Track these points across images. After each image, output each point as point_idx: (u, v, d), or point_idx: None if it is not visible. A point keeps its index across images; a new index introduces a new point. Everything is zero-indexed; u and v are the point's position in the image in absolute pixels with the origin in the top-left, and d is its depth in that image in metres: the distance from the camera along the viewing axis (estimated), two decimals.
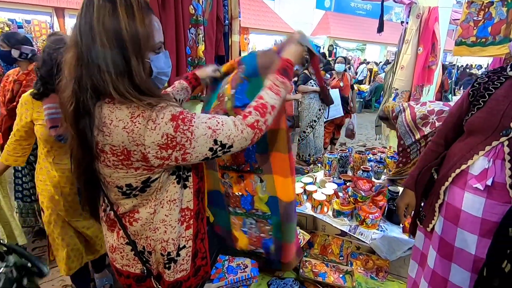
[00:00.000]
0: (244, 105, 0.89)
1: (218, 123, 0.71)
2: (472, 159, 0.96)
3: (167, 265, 0.80)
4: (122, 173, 0.69)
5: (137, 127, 0.64)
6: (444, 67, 4.59)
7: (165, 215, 0.76)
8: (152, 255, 0.80)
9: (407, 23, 3.03)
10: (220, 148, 0.72)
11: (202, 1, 1.75)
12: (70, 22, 9.16)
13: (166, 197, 0.76)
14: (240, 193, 1.15)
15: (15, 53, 1.89)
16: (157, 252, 0.79)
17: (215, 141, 0.71)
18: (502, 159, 0.90)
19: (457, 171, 0.99)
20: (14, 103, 1.86)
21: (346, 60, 4.37)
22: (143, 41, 0.66)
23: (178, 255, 0.80)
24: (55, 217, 1.41)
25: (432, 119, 1.74)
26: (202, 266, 0.87)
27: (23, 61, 1.93)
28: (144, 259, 0.80)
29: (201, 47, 1.78)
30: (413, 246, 1.26)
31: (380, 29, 3.32)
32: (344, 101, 4.01)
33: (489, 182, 0.91)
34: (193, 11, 1.73)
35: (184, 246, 0.81)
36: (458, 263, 0.99)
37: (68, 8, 8.75)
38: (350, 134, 4.29)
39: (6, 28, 5.48)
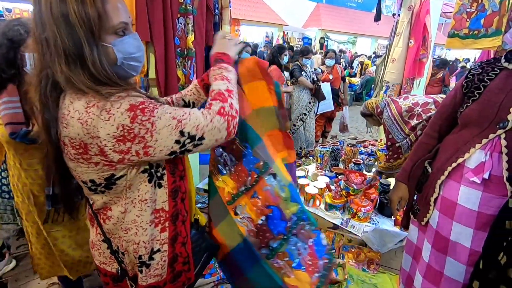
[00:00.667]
0: None
1: (185, 113, 0.66)
2: (468, 152, 0.96)
3: (139, 269, 0.75)
4: (84, 168, 0.65)
5: (91, 117, 0.59)
6: (446, 62, 4.65)
7: (136, 215, 0.72)
8: (125, 256, 0.76)
9: (398, 15, 3.01)
10: (188, 140, 0.66)
11: None
12: None
13: (138, 196, 0.71)
14: (264, 217, 0.91)
15: None
16: (130, 253, 0.75)
17: (182, 133, 0.64)
18: (499, 152, 0.90)
19: (454, 164, 0.98)
20: None
21: (336, 54, 4.36)
22: (95, 24, 0.60)
23: (151, 259, 0.75)
24: (31, 229, 1.31)
25: (418, 110, 1.76)
26: (183, 271, 0.81)
27: None
28: (119, 259, 0.76)
29: (191, 38, 1.72)
30: (406, 240, 1.26)
31: (378, 17, 3.29)
32: (335, 93, 4.01)
33: (486, 175, 0.91)
34: None
35: (159, 250, 0.75)
36: (454, 256, 1.00)
37: None
38: (343, 128, 4.30)
39: None
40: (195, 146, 0.68)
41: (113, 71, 0.65)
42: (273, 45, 4.75)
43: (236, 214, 0.93)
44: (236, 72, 0.87)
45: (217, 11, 1.92)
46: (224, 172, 0.95)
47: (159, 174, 0.73)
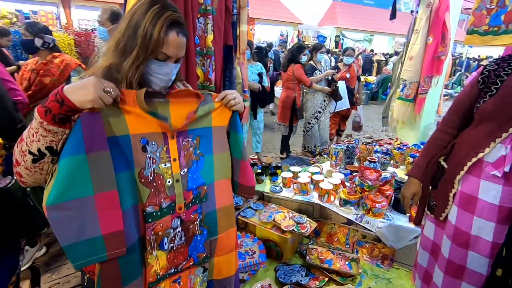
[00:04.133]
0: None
1: None
2: (489, 146, 0.96)
3: None
4: None
5: None
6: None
7: None
8: None
9: (416, 12, 2.97)
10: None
11: None
12: (76, 13, 9.17)
13: None
14: None
15: (38, 42, 1.90)
16: None
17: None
18: None
19: (474, 159, 0.99)
20: (30, 92, 1.90)
21: (354, 52, 4.32)
22: (150, 43, 0.75)
23: None
24: None
25: None
26: None
27: (44, 50, 1.95)
28: None
29: (210, 37, 1.78)
30: (421, 235, 1.27)
31: (393, 15, 3.25)
32: (350, 92, 3.99)
33: (507, 169, 0.92)
34: (202, 0, 1.73)
35: None
36: (476, 250, 1.01)
37: None
38: (357, 127, 4.27)
39: (15, 19, 5.51)
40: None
41: (137, 76, 0.78)
42: (293, 44, 4.76)
43: None
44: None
45: (235, 11, 1.98)
46: (166, 247, 0.84)
47: None
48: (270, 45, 8.65)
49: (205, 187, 0.90)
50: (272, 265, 1.70)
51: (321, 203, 1.89)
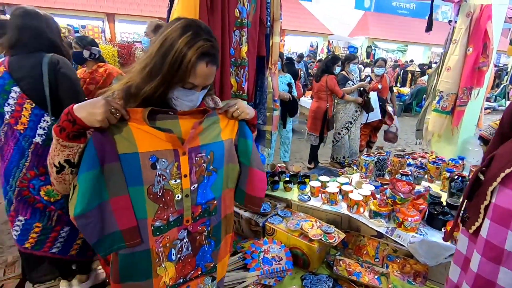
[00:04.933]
0: None
1: None
2: None
3: None
4: None
5: None
6: None
7: None
8: None
9: (455, 22, 2.88)
10: None
11: (247, 5, 1.84)
12: (119, 27, 9.91)
13: None
14: None
15: (86, 53, 2.13)
16: None
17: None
18: None
19: (507, 171, 0.96)
20: None
21: (386, 63, 4.26)
22: (179, 71, 0.75)
23: None
24: None
25: None
26: None
27: (91, 61, 2.18)
28: None
29: (244, 48, 1.87)
30: (455, 250, 1.22)
31: (429, 27, 3.16)
32: (382, 102, 3.92)
33: None
34: (238, 14, 1.82)
35: None
36: (509, 266, 0.96)
37: (118, 13, 9.47)
38: (392, 137, 4.16)
39: (67, 33, 6.09)
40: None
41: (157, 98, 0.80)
42: (327, 55, 4.84)
43: None
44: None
45: (268, 23, 2.06)
46: (173, 258, 0.88)
47: None
48: (301, 56, 8.71)
49: (215, 201, 0.92)
50: (298, 273, 1.69)
51: (350, 214, 1.86)
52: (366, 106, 3.69)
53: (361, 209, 1.86)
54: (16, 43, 1.41)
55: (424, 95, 3.68)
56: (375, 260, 1.76)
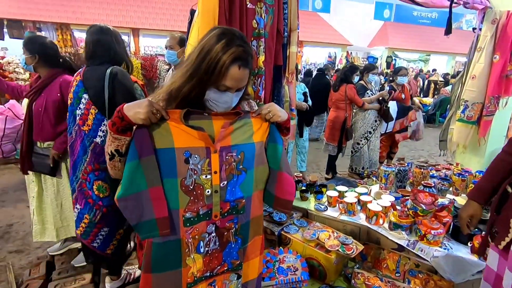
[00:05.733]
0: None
1: None
2: None
3: None
4: None
5: None
6: None
7: None
8: None
9: (480, 29, 2.79)
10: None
11: (264, 16, 1.89)
12: (144, 41, 10.38)
13: None
14: None
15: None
16: None
17: None
18: None
19: None
20: None
21: (408, 72, 4.18)
22: (213, 73, 0.84)
23: None
24: None
25: None
26: None
27: None
28: None
29: (261, 58, 1.90)
30: (485, 266, 1.15)
31: (448, 30, 3.07)
32: (405, 110, 3.82)
33: None
34: (256, 25, 1.87)
35: None
36: None
37: (143, 28, 9.93)
38: (418, 135, 4.04)
39: None
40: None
41: (197, 98, 0.90)
42: (345, 64, 4.84)
43: None
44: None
45: (286, 33, 2.09)
46: (202, 251, 0.94)
47: None
48: (327, 68, 8.64)
49: (244, 200, 0.96)
50: (315, 285, 1.65)
51: (368, 225, 1.80)
52: (385, 115, 3.61)
53: (381, 221, 1.80)
54: (91, 55, 1.64)
55: (448, 105, 3.54)
56: (396, 274, 1.69)
